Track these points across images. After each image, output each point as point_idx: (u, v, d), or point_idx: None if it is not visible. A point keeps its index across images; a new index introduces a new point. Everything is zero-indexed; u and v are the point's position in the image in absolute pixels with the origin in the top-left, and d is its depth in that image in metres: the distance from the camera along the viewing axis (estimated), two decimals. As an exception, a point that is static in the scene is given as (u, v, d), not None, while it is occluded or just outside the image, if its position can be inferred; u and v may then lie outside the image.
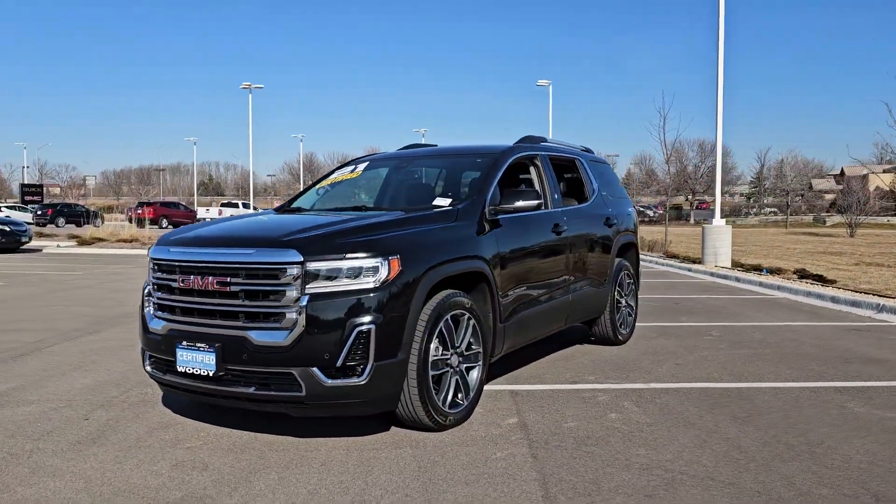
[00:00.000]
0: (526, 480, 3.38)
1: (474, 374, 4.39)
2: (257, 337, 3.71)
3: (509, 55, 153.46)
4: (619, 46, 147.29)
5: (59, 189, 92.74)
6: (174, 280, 4.01)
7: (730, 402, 4.74)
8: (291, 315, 3.65)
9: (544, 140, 6.17)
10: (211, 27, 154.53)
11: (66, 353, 6.44)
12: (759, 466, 3.55)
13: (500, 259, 4.65)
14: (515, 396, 4.88)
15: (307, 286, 3.67)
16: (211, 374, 3.80)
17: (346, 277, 3.71)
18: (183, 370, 3.92)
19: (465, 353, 4.30)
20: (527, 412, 4.50)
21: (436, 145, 6.37)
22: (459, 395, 4.25)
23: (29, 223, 44.73)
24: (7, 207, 50.74)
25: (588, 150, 7.18)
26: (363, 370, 3.69)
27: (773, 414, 4.45)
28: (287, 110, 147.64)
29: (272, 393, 3.72)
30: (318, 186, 5.81)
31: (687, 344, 6.76)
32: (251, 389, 3.75)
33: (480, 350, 4.41)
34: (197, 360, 3.84)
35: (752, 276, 13.21)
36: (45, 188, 74.13)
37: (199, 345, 3.83)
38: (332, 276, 3.70)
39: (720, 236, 16.02)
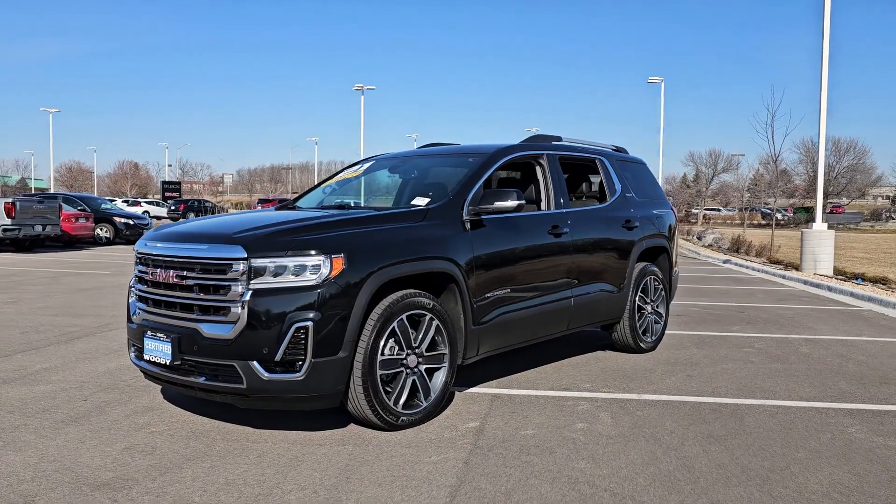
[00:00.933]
0: (440, 486, 3.33)
1: (439, 376, 4.35)
2: (207, 329, 3.86)
3: (623, 52, 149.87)
4: (744, 42, 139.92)
5: (200, 186, 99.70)
6: (147, 273, 4.25)
7: (717, 418, 4.43)
8: (236, 309, 3.78)
9: (558, 139, 6.00)
10: (331, 26, 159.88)
11: (114, 339, 6.93)
12: (694, 490, 3.31)
13: (476, 260, 4.58)
14: (495, 400, 4.79)
15: (252, 282, 3.78)
16: (168, 363, 4.00)
17: (289, 274, 3.80)
18: (148, 358, 4.15)
19: (427, 355, 4.28)
20: (494, 417, 4.42)
21: (457, 145, 6.34)
22: (419, 396, 4.24)
23: (163, 217, 48.43)
24: (146, 203, 55.10)
25: (620, 150, 6.91)
26: (301, 366, 3.76)
27: (755, 434, 4.13)
28: (406, 109, 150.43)
29: (219, 384, 3.87)
30: (325, 184, 5.95)
31: (718, 355, 6.36)
32: (202, 379, 3.92)
33: (446, 352, 4.37)
34: (158, 350, 4.05)
35: (847, 285, 12.20)
36: (183, 185, 79.69)
37: (159, 335, 4.04)
38: (275, 272, 3.79)
39: (821, 242, 14.90)
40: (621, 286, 6.06)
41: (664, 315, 6.66)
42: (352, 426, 4.22)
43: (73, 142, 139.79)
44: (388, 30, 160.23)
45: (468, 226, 4.64)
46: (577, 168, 6.33)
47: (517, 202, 4.69)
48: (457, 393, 4.98)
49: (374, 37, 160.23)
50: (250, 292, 3.77)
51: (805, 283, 13.31)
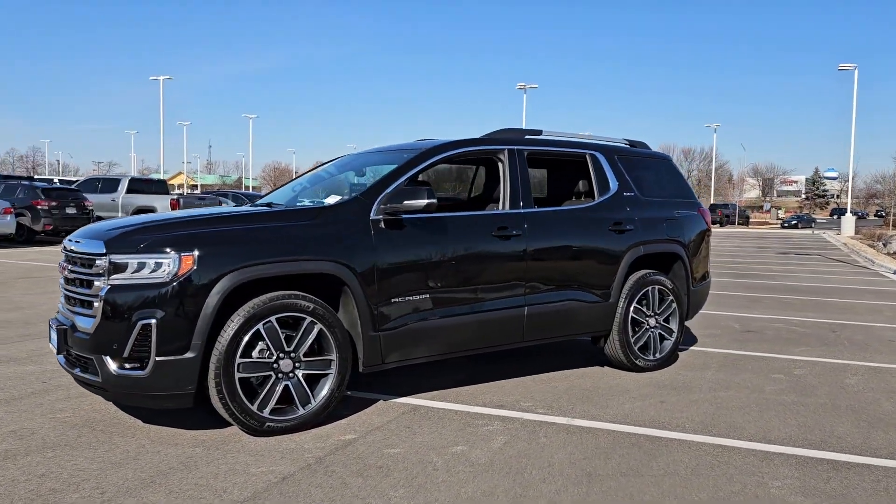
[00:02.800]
0: (224, 500, 3.16)
1: (325, 384, 4.15)
2: (79, 322, 3.98)
3: (806, 42, 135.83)
4: None
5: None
6: (62, 267, 4.46)
7: (626, 454, 3.81)
8: (97, 304, 3.85)
9: (535, 133, 5.49)
10: (495, 26, 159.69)
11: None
12: (482, 535, 2.85)
13: (381, 262, 4.31)
14: (406, 413, 4.49)
15: (111, 277, 3.83)
16: (56, 353, 4.17)
17: (140, 271, 3.80)
18: (51, 346, 4.36)
19: (308, 360, 4.09)
20: (381, 431, 4.13)
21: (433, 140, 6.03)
22: (296, 403, 4.07)
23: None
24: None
25: (636, 145, 6.19)
26: (147, 363, 3.74)
27: (645, 478, 3.48)
28: (573, 109, 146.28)
29: (87, 376, 3.97)
30: (296, 181, 5.92)
31: (731, 380, 5.49)
32: (78, 370, 4.04)
33: (334, 358, 4.16)
34: (53, 340, 4.24)
35: None
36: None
37: (53, 325, 4.23)
38: (130, 269, 3.81)
39: None
40: (606, 295, 5.42)
41: (676, 331, 5.86)
42: (234, 428, 4.14)
43: (279, 143, 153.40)
44: (552, 30, 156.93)
45: (382, 225, 4.39)
46: (565, 166, 5.77)
47: (427, 201, 4.36)
48: (381, 401, 4.73)
49: (538, 37, 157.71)
50: (108, 287, 3.82)
51: (966, 300, 11.18)
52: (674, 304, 5.84)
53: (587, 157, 5.65)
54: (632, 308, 5.56)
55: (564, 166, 5.80)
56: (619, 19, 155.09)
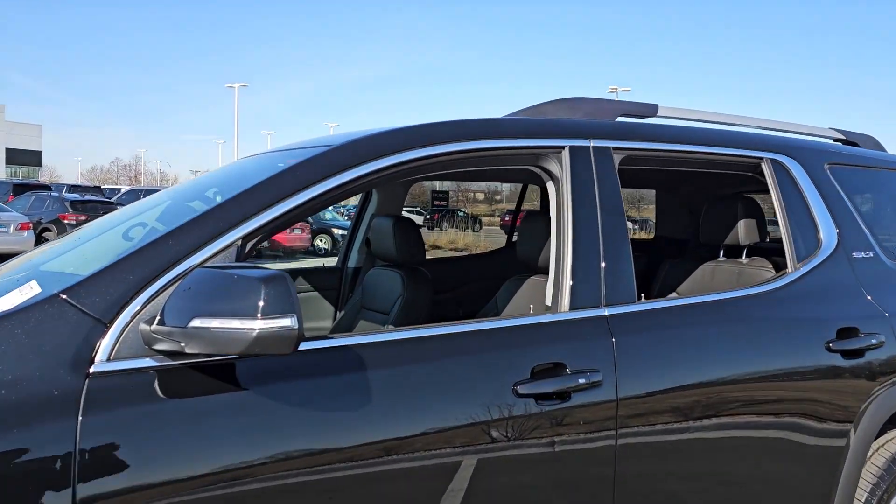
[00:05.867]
0: None
1: None
2: None
3: None
4: None
5: (482, 195, 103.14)
6: None
7: None
8: None
9: (637, 112, 2.33)
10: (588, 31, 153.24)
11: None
12: None
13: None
14: None
15: None
16: None
17: None
18: None
19: None
20: None
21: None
22: None
23: (421, 225, 49.35)
24: (407, 211, 56.89)
25: (856, 142, 2.90)
26: None
27: None
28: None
29: None
30: (120, 212, 2.94)
31: None
32: None
33: None
34: None
35: None
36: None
37: None
38: None
39: None
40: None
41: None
42: None
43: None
44: (647, 28, 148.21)
45: (156, 387, 1.36)
46: (713, 185, 2.57)
47: (292, 326, 1.29)
48: None
49: (630, 37, 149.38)
50: None
51: None
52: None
53: (766, 165, 2.40)
54: (876, 532, 2.29)
55: (711, 186, 2.60)
56: (732, 11, 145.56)
